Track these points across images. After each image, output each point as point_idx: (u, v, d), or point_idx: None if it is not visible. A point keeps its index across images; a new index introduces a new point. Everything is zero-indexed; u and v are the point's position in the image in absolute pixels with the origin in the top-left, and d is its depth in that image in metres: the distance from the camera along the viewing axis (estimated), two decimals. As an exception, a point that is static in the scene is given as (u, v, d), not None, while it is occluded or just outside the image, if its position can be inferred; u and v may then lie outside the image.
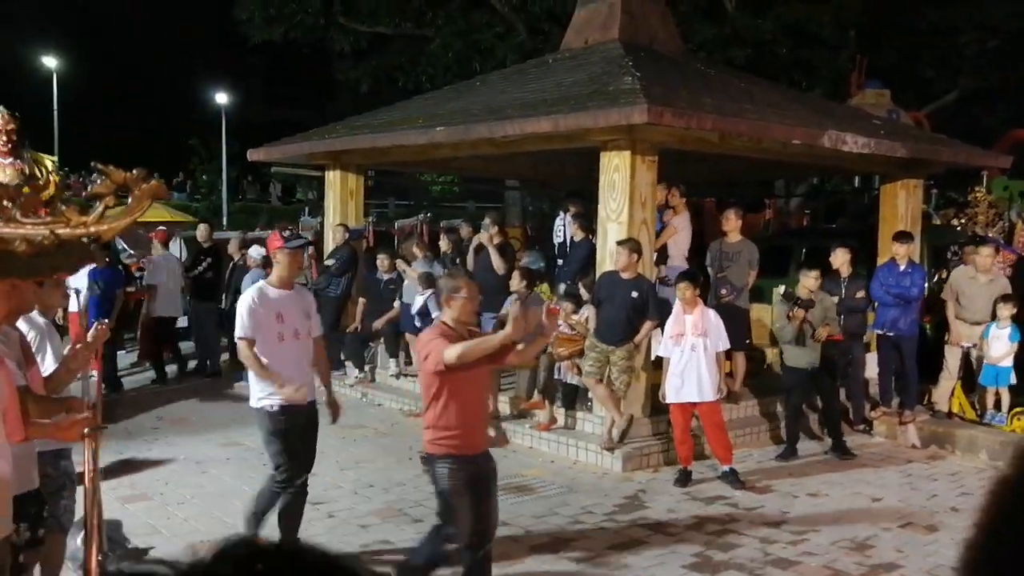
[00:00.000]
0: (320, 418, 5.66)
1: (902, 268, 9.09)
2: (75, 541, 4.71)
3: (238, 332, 5.27)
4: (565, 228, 10.96)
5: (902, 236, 9.30)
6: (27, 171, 7.82)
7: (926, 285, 9.64)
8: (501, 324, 9.13)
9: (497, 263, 10.00)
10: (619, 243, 7.83)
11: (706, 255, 9.65)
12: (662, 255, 9.26)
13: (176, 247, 14.41)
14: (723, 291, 9.15)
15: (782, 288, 10.17)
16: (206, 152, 34.94)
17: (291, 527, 5.61)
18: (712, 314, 7.66)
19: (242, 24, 22.12)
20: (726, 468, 7.48)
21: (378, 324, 10.63)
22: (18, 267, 2.47)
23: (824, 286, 8.62)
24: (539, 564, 5.75)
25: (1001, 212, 12.65)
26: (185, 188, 36.31)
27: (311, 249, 16.56)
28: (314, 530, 6.21)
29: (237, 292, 11.85)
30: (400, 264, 10.89)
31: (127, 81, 39.49)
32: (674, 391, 7.52)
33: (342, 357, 11.06)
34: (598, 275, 8.31)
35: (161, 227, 11.97)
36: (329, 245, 11.83)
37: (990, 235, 11.51)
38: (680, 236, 9.52)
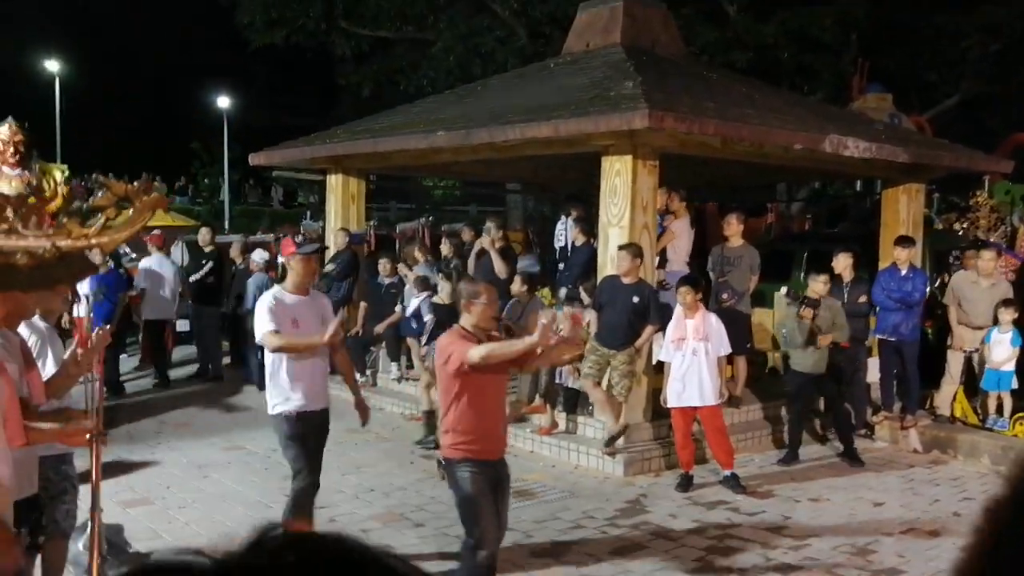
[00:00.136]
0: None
1: (904, 273, 9.08)
2: (77, 545, 4.71)
3: (261, 329, 5.25)
4: (566, 232, 10.97)
5: (904, 241, 9.30)
6: (34, 182, 7.85)
7: (928, 290, 9.64)
8: (506, 328, 9.14)
9: (499, 267, 10.01)
10: (621, 248, 7.83)
11: (708, 259, 9.65)
12: (661, 260, 9.26)
13: (178, 251, 14.40)
14: (724, 295, 9.15)
15: (784, 289, 10.21)
16: (208, 156, 35.00)
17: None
18: (713, 318, 7.65)
19: (244, 28, 22.17)
20: (727, 473, 7.48)
21: (379, 328, 10.64)
22: (20, 280, 2.47)
23: (804, 297, 8.63)
24: (540, 569, 5.75)
25: (1003, 216, 12.65)
26: (187, 192, 36.36)
27: (313, 253, 16.61)
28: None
29: (239, 296, 11.91)
30: (401, 268, 10.90)
31: (129, 85, 39.52)
32: (675, 395, 7.51)
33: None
34: (599, 279, 8.31)
35: (156, 231, 11.96)
36: (331, 249, 11.83)
37: (992, 239, 11.51)
38: (679, 241, 9.52)
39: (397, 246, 14.80)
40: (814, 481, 7.74)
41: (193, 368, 12.42)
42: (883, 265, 9.73)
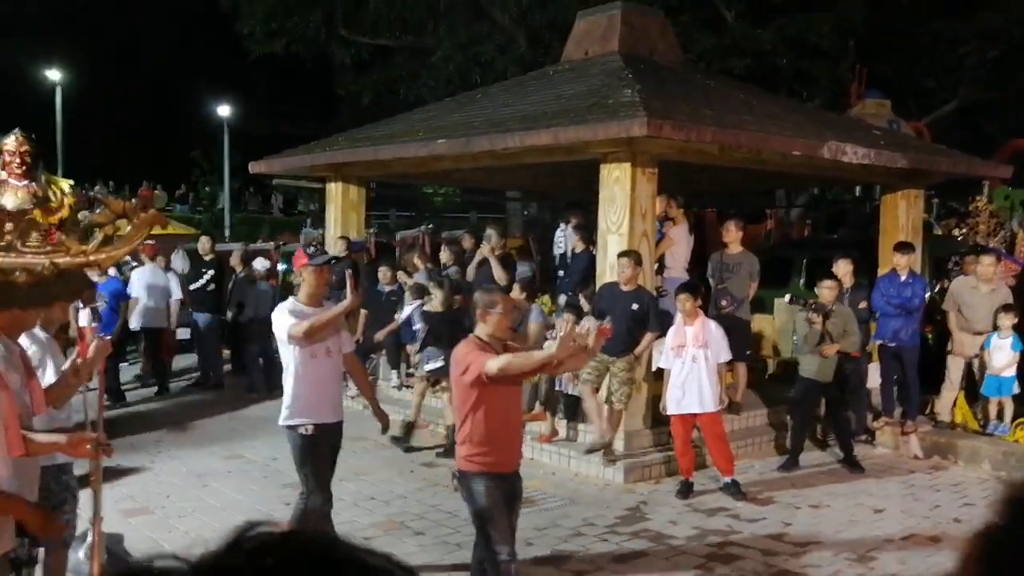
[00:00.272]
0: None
1: (903, 279, 9.09)
2: (77, 555, 4.71)
3: (284, 327, 5.20)
4: (566, 239, 10.98)
5: (903, 247, 9.30)
6: (40, 194, 7.86)
7: (927, 295, 9.64)
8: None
9: (499, 275, 10.01)
10: (621, 255, 7.85)
11: (707, 266, 9.66)
12: (659, 266, 9.26)
13: (178, 260, 14.42)
14: (723, 302, 9.16)
15: (788, 296, 10.21)
16: (208, 164, 35.03)
17: None
18: (713, 325, 7.66)
19: (244, 38, 22.23)
20: (728, 479, 7.48)
21: (379, 336, 10.64)
22: (18, 297, 2.48)
23: (812, 303, 8.64)
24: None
25: (1002, 221, 12.65)
26: (187, 200, 36.38)
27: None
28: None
29: (240, 304, 11.93)
30: (401, 276, 10.91)
31: (129, 93, 39.58)
32: (675, 402, 7.52)
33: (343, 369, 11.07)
34: (598, 286, 8.32)
35: (149, 241, 11.99)
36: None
37: (991, 245, 11.51)
38: (678, 247, 9.53)
39: (397, 254, 14.81)
40: (814, 488, 7.73)
41: (193, 376, 12.43)
42: (882, 271, 9.74)
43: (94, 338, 4.31)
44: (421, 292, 9.69)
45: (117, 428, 9.01)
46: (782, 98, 13.55)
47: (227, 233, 29.41)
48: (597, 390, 7.93)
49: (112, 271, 10.40)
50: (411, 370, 10.35)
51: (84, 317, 6.06)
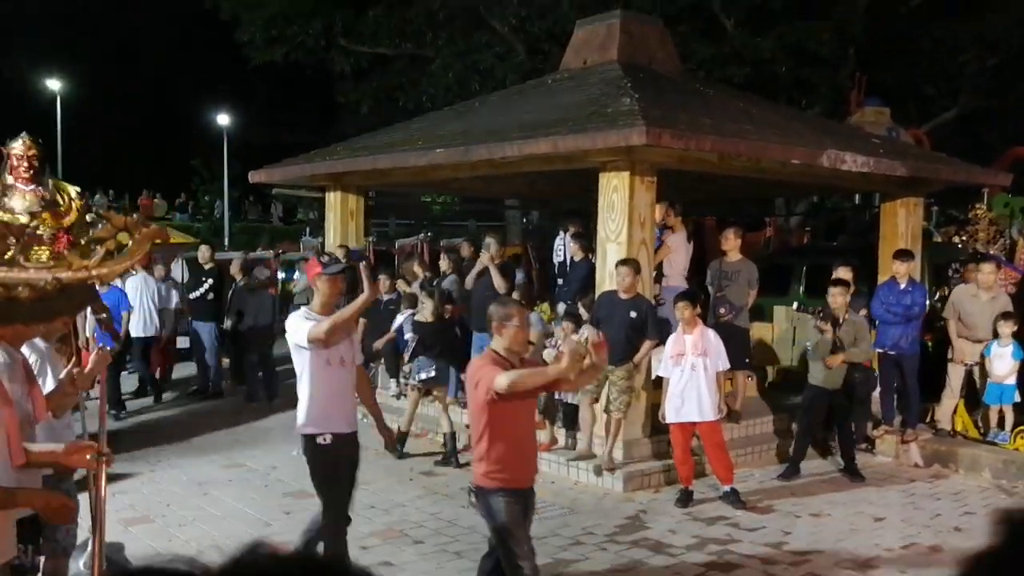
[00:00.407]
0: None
1: (903, 286, 9.09)
2: (78, 564, 4.72)
3: (303, 331, 5.10)
4: (565, 248, 10.99)
5: (902, 254, 9.31)
6: (47, 197, 7.87)
7: (927, 303, 9.64)
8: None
9: (499, 283, 10.01)
10: (620, 264, 7.86)
11: (706, 274, 9.67)
12: (658, 274, 9.27)
13: (178, 268, 14.43)
14: (722, 310, 9.15)
15: (794, 304, 10.23)
16: (208, 173, 35.11)
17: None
18: (712, 334, 7.66)
19: (244, 46, 22.29)
20: (727, 488, 7.47)
21: (378, 345, 10.64)
22: (21, 313, 2.48)
23: (818, 307, 8.65)
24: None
25: (1002, 229, 12.66)
26: (187, 209, 36.44)
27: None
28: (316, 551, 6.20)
29: (239, 313, 11.93)
30: (401, 284, 10.91)
31: (130, 102, 39.66)
32: (674, 411, 7.51)
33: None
34: (597, 295, 8.33)
35: None
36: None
37: (991, 252, 11.51)
38: (676, 255, 9.52)
39: (396, 262, 14.82)
40: (815, 496, 7.73)
41: (193, 386, 12.42)
42: (882, 279, 9.74)
43: (95, 348, 4.32)
44: (413, 301, 9.69)
45: (117, 438, 9.00)
46: (781, 106, 13.59)
47: (227, 242, 29.45)
48: (596, 400, 7.93)
49: (117, 281, 10.41)
50: (404, 379, 10.32)
51: (91, 326, 6.08)
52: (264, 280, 12.27)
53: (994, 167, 13.42)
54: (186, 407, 11.48)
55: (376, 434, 6.04)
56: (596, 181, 8.28)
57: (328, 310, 5.32)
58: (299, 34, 21.60)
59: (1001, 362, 8.75)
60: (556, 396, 8.59)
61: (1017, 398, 8.77)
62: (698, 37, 18.41)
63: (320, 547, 5.40)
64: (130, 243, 2.65)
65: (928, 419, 9.42)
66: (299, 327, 5.16)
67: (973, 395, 9.14)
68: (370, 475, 8.28)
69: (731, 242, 9.38)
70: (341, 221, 11.84)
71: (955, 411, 9.15)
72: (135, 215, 2.68)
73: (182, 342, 13.23)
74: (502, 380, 4.23)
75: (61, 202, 7.62)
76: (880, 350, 9.21)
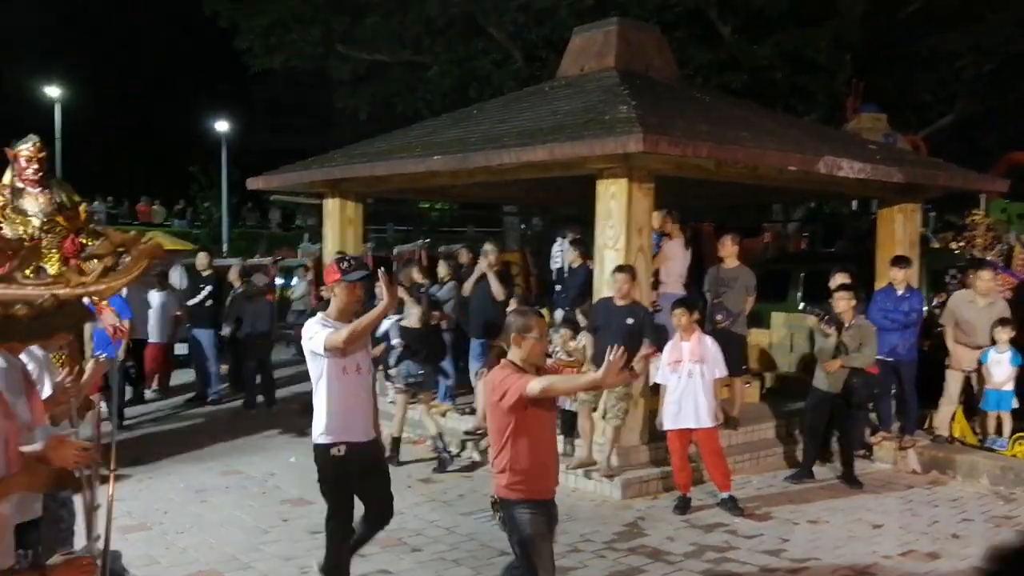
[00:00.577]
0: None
1: (900, 293, 9.10)
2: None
3: (320, 338, 5.00)
4: (563, 254, 11.00)
5: (900, 261, 9.32)
6: (57, 200, 7.87)
7: (925, 309, 9.64)
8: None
9: (497, 289, 10.03)
10: (615, 270, 7.87)
11: (704, 280, 9.68)
12: (655, 281, 9.27)
13: (176, 275, 14.44)
14: (719, 317, 9.17)
15: (801, 305, 10.24)
16: (206, 179, 35.08)
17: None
18: (709, 341, 7.67)
19: (243, 53, 22.33)
20: (725, 495, 7.46)
21: (376, 352, 10.62)
22: (18, 331, 2.47)
23: (823, 310, 8.66)
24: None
25: (999, 235, 12.69)
26: (185, 215, 36.44)
27: (311, 275, 16.66)
28: (313, 560, 6.19)
29: (238, 320, 11.93)
30: (400, 291, 10.89)
31: (129, 110, 39.73)
32: (671, 418, 7.52)
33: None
34: (594, 302, 8.34)
35: None
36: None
37: (988, 258, 11.53)
38: (673, 262, 9.53)
39: (394, 268, 14.82)
40: (812, 503, 7.72)
41: (191, 392, 12.41)
42: (880, 285, 9.75)
43: (94, 356, 4.33)
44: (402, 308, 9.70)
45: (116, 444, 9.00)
46: (778, 113, 13.61)
47: (225, 248, 29.45)
48: (595, 409, 7.92)
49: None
50: (388, 382, 10.22)
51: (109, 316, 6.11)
52: (262, 287, 12.27)
53: (991, 173, 13.45)
54: (184, 414, 11.47)
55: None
56: (594, 188, 8.29)
57: (345, 316, 5.19)
58: (297, 41, 21.65)
59: (999, 368, 8.76)
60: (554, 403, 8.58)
61: (1015, 404, 8.77)
62: (695, 44, 18.46)
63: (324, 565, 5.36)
64: (127, 259, 2.64)
65: (926, 425, 9.42)
66: (316, 334, 5.05)
67: (971, 401, 9.14)
68: (368, 482, 8.29)
69: (728, 249, 9.40)
70: (339, 228, 11.84)
71: (953, 417, 9.15)
72: (133, 232, 2.68)
73: (180, 348, 13.24)
74: (536, 385, 4.17)
75: (69, 204, 7.58)
76: (878, 356, 9.20)
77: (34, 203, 7.69)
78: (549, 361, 8.11)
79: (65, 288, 2.45)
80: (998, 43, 17.54)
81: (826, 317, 8.37)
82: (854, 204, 18.46)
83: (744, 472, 8.51)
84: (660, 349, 7.82)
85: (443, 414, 10.02)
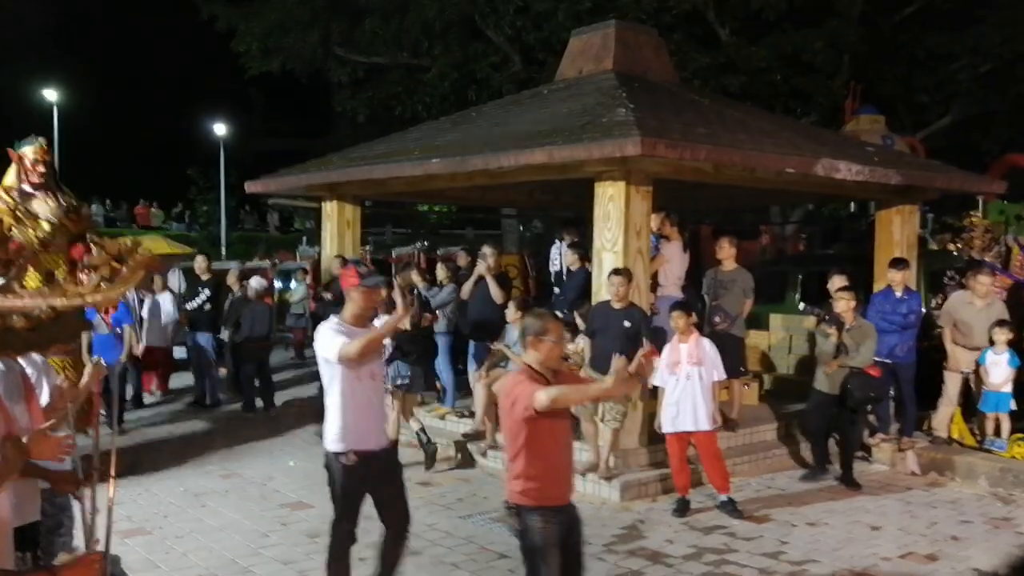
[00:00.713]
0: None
1: (898, 295, 9.11)
2: None
3: (334, 346, 4.95)
4: (561, 257, 11.01)
5: (898, 263, 9.33)
6: (64, 203, 7.82)
7: (923, 310, 9.65)
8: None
9: (495, 293, 10.03)
10: (611, 273, 7.89)
11: (702, 283, 9.69)
12: (653, 284, 9.27)
13: (175, 279, 14.43)
14: (717, 319, 9.18)
15: (802, 306, 10.23)
16: (205, 182, 35.09)
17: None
18: (707, 343, 7.68)
19: (241, 56, 22.32)
20: (724, 497, 7.47)
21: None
22: (16, 343, 2.46)
23: (823, 310, 8.68)
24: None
25: (997, 236, 12.69)
26: (184, 218, 36.44)
27: (309, 278, 16.66)
28: (313, 562, 6.20)
29: (237, 323, 11.92)
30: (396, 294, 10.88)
31: (127, 113, 39.70)
32: (670, 420, 7.52)
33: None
34: (591, 306, 8.34)
35: None
36: (326, 275, 11.88)
37: (986, 259, 11.53)
38: (671, 265, 9.53)
39: (392, 271, 14.81)
40: (811, 505, 7.73)
41: (190, 396, 12.41)
42: (877, 287, 9.76)
43: (92, 362, 4.33)
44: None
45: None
46: (776, 115, 13.63)
47: (223, 251, 29.44)
48: (596, 413, 7.91)
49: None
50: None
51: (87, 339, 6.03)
52: (261, 290, 12.27)
53: (989, 174, 13.46)
54: (183, 418, 11.46)
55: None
56: (592, 190, 8.30)
57: (360, 322, 5.17)
58: (296, 44, 21.64)
59: (996, 370, 8.76)
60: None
61: (1013, 406, 8.77)
62: (693, 46, 18.47)
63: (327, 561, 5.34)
64: (124, 269, 2.64)
65: (925, 427, 9.42)
66: (330, 343, 5.00)
67: (969, 403, 9.15)
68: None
69: (726, 251, 9.41)
70: (338, 231, 11.86)
71: (951, 419, 9.16)
72: (130, 241, 2.68)
73: (179, 352, 13.23)
74: (543, 397, 4.12)
75: (74, 207, 7.51)
76: (876, 358, 9.21)
77: (44, 206, 7.60)
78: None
79: (62, 299, 2.44)
80: (996, 45, 17.53)
81: (826, 317, 8.39)
82: (852, 206, 18.49)
83: (743, 474, 8.51)
84: (658, 351, 7.81)
85: (442, 417, 10.03)
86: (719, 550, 6.57)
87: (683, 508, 7.42)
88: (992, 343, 8.81)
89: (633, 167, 7.90)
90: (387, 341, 9.20)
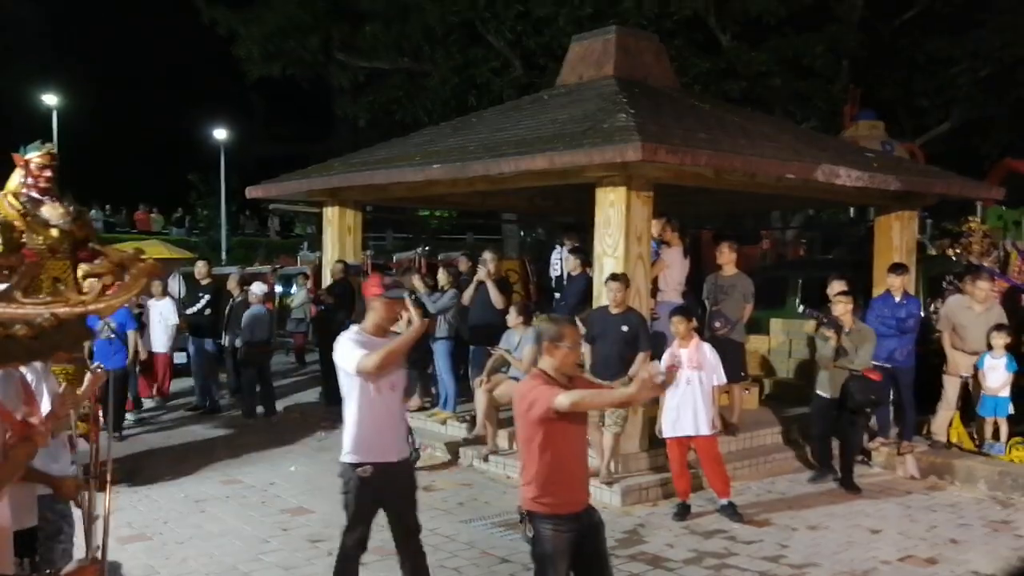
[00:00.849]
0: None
1: (898, 299, 9.14)
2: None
3: (353, 358, 4.91)
4: (562, 262, 11.03)
5: (897, 268, 9.36)
6: (71, 210, 7.80)
7: (922, 315, 9.67)
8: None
9: (496, 298, 10.05)
10: (609, 278, 7.91)
11: (702, 288, 9.71)
12: (653, 289, 9.30)
13: (175, 284, 14.44)
14: (717, 324, 9.19)
15: (800, 308, 10.24)
16: (205, 187, 35.10)
17: None
18: (707, 348, 7.70)
19: (242, 61, 22.35)
20: (724, 501, 7.48)
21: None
22: (19, 352, 2.46)
23: (822, 314, 8.69)
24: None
25: (996, 241, 12.71)
26: (184, 223, 36.43)
27: (310, 283, 16.68)
28: (314, 568, 6.22)
29: (237, 329, 11.93)
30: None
31: (127, 117, 39.72)
32: (670, 425, 7.54)
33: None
34: (590, 312, 8.36)
35: None
36: (327, 280, 11.91)
37: (985, 264, 11.55)
38: (671, 270, 9.56)
39: (393, 275, 14.82)
40: (811, 509, 7.74)
41: (191, 401, 12.42)
42: (877, 292, 9.79)
43: (94, 367, 4.34)
44: None
45: (113, 454, 9.00)
46: (777, 120, 13.66)
47: (224, 256, 29.45)
48: (600, 422, 7.90)
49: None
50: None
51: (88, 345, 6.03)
52: (261, 295, 12.29)
53: (988, 179, 13.48)
54: (183, 423, 11.47)
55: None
56: (593, 196, 8.32)
57: (381, 332, 5.15)
58: (296, 49, 21.68)
59: (994, 374, 8.78)
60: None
61: (1011, 410, 8.79)
62: (694, 51, 18.52)
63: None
64: (126, 277, 2.65)
65: (924, 431, 9.44)
66: (349, 354, 4.97)
67: (968, 407, 9.17)
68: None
69: (726, 256, 9.43)
70: (339, 236, 11.88)
71: (950, 423, 9.18)
72: (132, 250, 2.69)
73: (179, 358, 13.24)
74: (564, 400, 4.08)
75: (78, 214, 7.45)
76: (875, 363, 9.23)
77: (52, 212, 7.58)
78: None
79: (64, 307, 2.44)
80: (996, 49, 17.58)
81: (825, 321, 8.41)
82: (851, 211, 18.51)
83: (743, 478, 8.53)
84: (656, 355, 7.83)
85: (443, 422, 10.05)
86: (720, 554, 6.58)
87: (684, 512, 7.43)
88: (990, 347, 8.84)
89: (634, 172, 7.92)
90: None
